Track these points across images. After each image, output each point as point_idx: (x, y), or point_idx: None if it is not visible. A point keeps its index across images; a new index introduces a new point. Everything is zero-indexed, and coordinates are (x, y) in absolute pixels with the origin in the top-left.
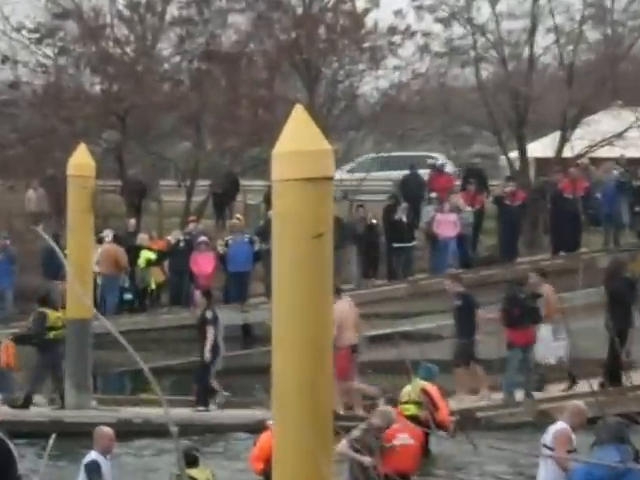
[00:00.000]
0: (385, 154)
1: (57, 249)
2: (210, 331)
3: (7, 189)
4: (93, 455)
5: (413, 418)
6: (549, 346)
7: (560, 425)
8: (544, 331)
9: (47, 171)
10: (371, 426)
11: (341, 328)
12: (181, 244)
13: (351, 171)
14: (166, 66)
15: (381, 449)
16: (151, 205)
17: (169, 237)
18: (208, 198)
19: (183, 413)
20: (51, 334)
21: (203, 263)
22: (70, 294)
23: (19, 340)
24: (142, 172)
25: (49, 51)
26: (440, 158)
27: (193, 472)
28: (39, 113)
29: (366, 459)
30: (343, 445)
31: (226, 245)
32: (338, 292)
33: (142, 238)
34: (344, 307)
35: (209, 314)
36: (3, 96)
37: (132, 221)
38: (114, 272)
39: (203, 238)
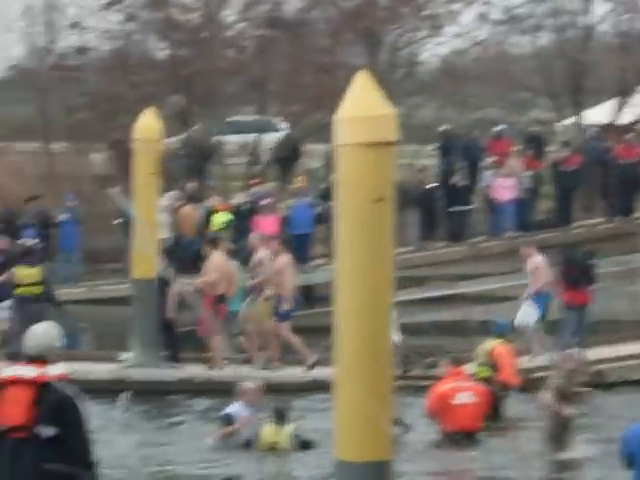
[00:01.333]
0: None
1: (131, 211)
2: None
3: (74, 152)
4: (232, 407)
5: (486, 379)
6: (527, 311)
7: None
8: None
9: (113, 135)
10: (567, 371)
11: None
12: (244, 207)
13: None
14: (231, 32)
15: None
16: (215, 168)
17: (233, 200)
18: (272, 161)
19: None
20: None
21: (266, 225)
22: (136, 255)
23: None
24: (207, 135)
25: (117, 17)
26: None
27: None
28: (106, 78)
29: (569, 410)
30: (547, 397)
31: (288, 208)
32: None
33: (213, 201)
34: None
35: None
36: (71, 61)
37: (195, 184)
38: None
39: (266, 201)
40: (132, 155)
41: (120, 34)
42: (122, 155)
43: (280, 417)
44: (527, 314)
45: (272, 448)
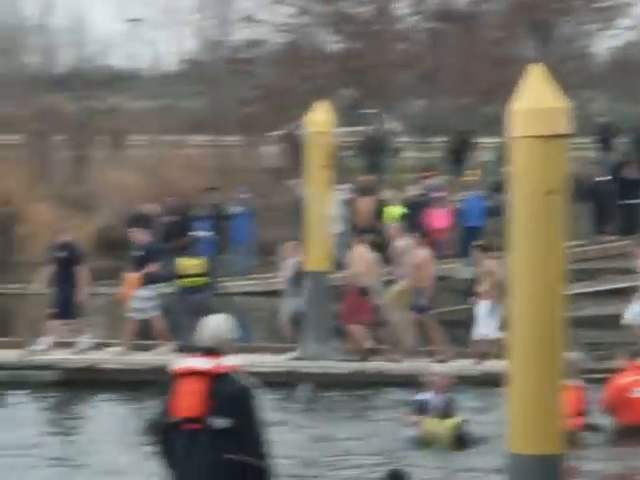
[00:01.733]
0: None
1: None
2: None
3: (247, 145)
4: (422, 396)
5: None
6: (484, 322)
7: None
8: (482, 308)
9: (285, 127)
10: None
11: None
12: (417, 199)
13: None
14: (402, 25)
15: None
16: (387, 161)
17: (405, 193)
18: (444, 154)
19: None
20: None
21: (438, 218)
22: (309, 247)
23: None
24: (380, 128)
25: (289, 10)
26: None
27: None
28: (278, 71)
29: None
30: None
31: (460, 201)
32: None
33: (386, 194)
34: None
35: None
36: (244, 54)
37: (369, 177)
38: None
39: (438, 193)
40: (304, 148)
41: (292, 27)
42: (294, 148)
43: (445, 409)
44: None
45: (432, 440)
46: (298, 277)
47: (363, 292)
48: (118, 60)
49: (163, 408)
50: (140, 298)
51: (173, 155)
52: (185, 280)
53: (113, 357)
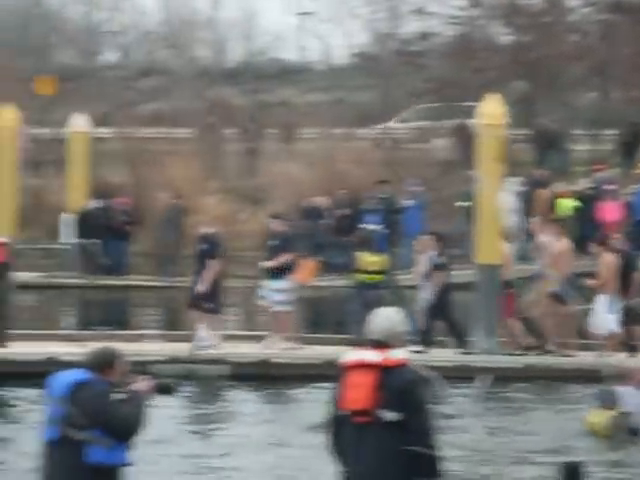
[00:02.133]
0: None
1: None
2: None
3: (417, 138)
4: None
5: None
6: (602, 318)
7: None
8: (599, 302)
9: (456, 119)
10: None
11: None
12: (588, 192)
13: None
14: (574, 17)
15: None
16: (559, 154)
17: (576, 185)
18: (616, 147)
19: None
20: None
21: (609, 211)
22: (480, 240)
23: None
24: (552, 121)
25: (460, 3)
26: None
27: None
28: (449, 64)
29: None
30: None
31: (632, 194)
32: None
33: (558, 186)
34: None
35: (439, 259)
36: (414, 47)
37: (542, 170)
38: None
39: (610, 186)
40: (475, 140)
41: (463, 19)
42: (465, 141)
43: (606, 400)
44: None
45: (597, 431)
46: (431, 271)
47: (508, 285)
48: (288, 53)
49: (333, 401)
50: (272, 289)
51: (343, 148)
52: (364, 276)
53: (284, 352)
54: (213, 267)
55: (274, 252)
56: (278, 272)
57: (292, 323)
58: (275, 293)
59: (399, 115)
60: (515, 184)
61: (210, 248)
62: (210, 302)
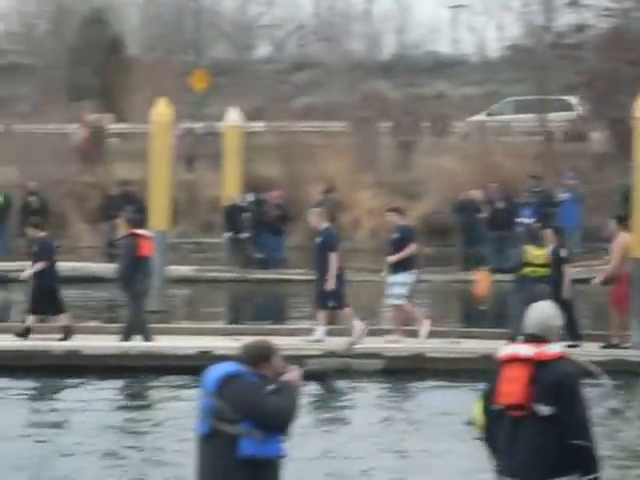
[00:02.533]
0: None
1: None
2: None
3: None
4: None
5: None
6: None
7: None
8: None
9: (611, 113)
10: None
11: None
12: None
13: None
14: None
15: None
16: None
17: None
18: None
19: None
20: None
21: None
22: (637, 232)
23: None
24: None
25: None
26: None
27: None
28: (604, 56)
29: None
30: None
31: None
32: None
33: None
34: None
35: (563, 252)
36: (569, 40)
37: None
38: None
39: None
40: (632, 133)
41: (618, 12)
42: (621, 134)
43: None
44: None
45: None
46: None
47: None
48: (442, 46)
49: (489, 395)
50: (391, 283)
51: (498, 141)
52: (529, 269)
53: (439, 346)
54: (331, 261)
55: (395, 246)
56: (398, 266)
57: (414, 316)
58: (394, 287)
59: (489, 108)
60: None
61: (325, 241)
62: (333, 300)
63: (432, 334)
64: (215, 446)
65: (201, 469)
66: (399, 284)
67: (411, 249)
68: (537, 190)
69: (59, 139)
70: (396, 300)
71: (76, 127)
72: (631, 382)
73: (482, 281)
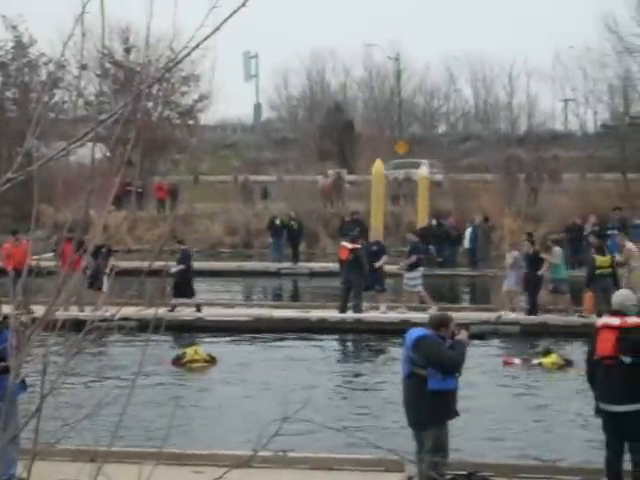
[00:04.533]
0: None
1: None
2: None
3: None
4: None
5: None
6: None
7: None
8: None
9: None
10: None
11: None
12: None
13: None
14: None
15: None
16: None
17: None
18: None
19: None
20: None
21: None
22: None
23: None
24: None
25: None
26: None
27: None
28: None
29: None
30: None
31: None
32: None
33: None
34: None
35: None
36: None
37: None
38: None
39: None
40: None
41: None
42: None
43: None
44: None
45: None
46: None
47: None
48: (557, 125)
49: (591, 350)
50: (407, 278)
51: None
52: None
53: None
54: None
55: (409, 254)
56: (410, 266)
57: (428, 297)
58: (410, 280)
59: None
60: None
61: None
62: (379, 284)
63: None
64: (412, 383)
65: (405, 399)
66: (412, 278)
67: (416, 257)
68: (617, 217)
69: (312, 185)
70: (415, 288)
71: (323, 178)
72: None
73: (589, 301)
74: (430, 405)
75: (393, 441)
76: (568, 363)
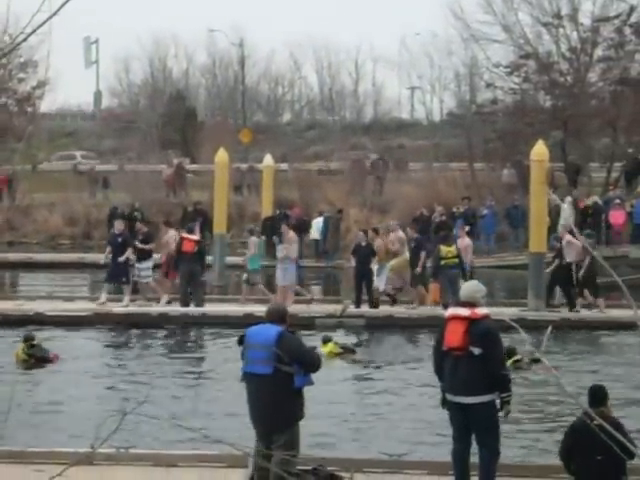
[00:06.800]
0: None
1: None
2: None
3: (489, 169)
4: None
5: None
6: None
7: None
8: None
9: (515, 157)
10: None
11: None
12: (598, 203)
13: None
14: (593, 89)
15: None
16: (583, 180)
17: (588, 200)
18: (621, 175)
19: None
20: None
21: (617, 217)
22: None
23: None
24: (578, 158)
25: (516, 80)
26: None
27: None
28: (509, 120)
29: None
30: None
31: (632, 206)
32: None
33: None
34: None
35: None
36: (486, 109)
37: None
38: None
39: (617, 200)
40: (528, 171)
41: (519, 91)
42: (522, 171)
43: None
44: None
45: None
46: None
47: None
48: (403, 113)
49: (439, 342)
50: (139, 268)
51: (440, 176)
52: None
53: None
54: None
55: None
56: (141, 257)
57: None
58: (141, 271)
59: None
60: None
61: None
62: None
63: None
64: (278, 381)
65: (263, 398)
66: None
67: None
68: (467, 208)
69: (154, 175)
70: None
71: (165, 167)
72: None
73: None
74: (297, 403)
75: (234, 436)
76: (349, 351)
